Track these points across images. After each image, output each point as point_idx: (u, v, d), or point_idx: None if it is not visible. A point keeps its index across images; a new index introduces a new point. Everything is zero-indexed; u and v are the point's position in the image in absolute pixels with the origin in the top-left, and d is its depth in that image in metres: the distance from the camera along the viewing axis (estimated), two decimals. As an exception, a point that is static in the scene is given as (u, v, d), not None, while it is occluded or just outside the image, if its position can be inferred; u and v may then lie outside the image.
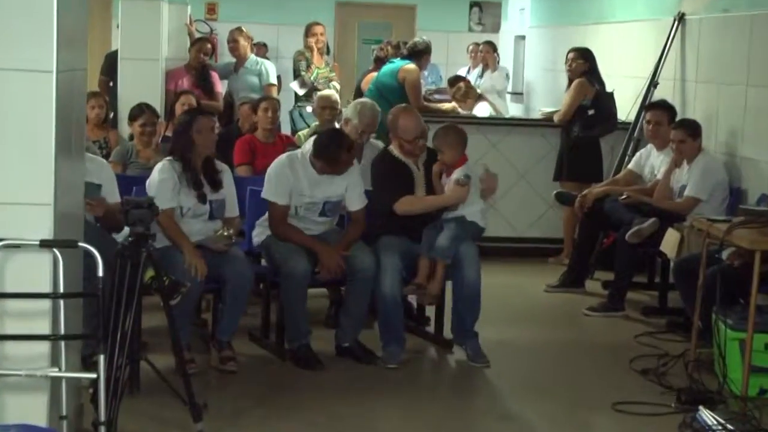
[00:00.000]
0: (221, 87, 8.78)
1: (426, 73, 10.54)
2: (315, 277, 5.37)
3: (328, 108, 7.20)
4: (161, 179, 5.17)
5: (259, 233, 5.57)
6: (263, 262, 5.59)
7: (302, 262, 5.21)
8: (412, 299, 5.94)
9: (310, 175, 5.43)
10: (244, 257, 5.24)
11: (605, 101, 7.92)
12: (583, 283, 7.27)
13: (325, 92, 7.71)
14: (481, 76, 10.97)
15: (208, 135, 5.24)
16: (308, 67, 9.16)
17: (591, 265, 7.45)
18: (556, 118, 8.08)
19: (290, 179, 5.39)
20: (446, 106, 8.83)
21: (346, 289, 5.48)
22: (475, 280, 5.44)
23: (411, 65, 8.24)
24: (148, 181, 5.27)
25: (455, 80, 9.85)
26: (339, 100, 7.43)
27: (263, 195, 5.45)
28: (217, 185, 5.26)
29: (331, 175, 5.44)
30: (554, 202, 7.85)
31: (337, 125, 6.52)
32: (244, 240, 5.75)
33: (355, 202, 5.55)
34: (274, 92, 8.75)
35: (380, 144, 6.38)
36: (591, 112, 7.86)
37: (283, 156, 5.53)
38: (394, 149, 5.70)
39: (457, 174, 5.49)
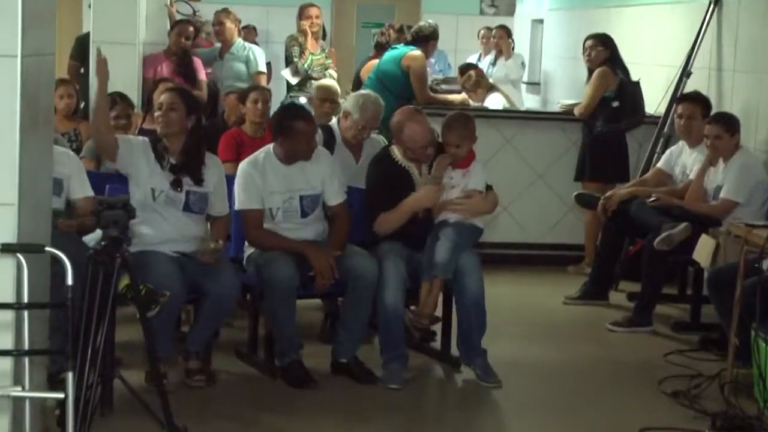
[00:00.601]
0: (204, 75, 8.78)
1: (432, 60, 10.54)
2: (309, 287, 5.37)
3: (329, 101, 7.16)
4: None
5: (248, 246, 5.57)
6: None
7: (285, 266, 5.21)
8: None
9: (278, 170, 5.47)
10: (229, 269, 5.22)
11: (631, 92, 7.92)
12: (607, 294, 7.27)
13: (325, 82, 7.65)
14: (493, 64, 10.97)
15: (167, 114, 5.23)
16: (301, 53, 9.16)
17: (615, 274, 7.44)
18: (576, 111, 8.08)
19: (257, 181, 5.43)
20: (455, 97, 8.83)
21: (344, 298, 5.48)
22: (477, 290, 5.45)
23: (416, 52, 8.24)
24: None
25: (465, 69, 9.84)
26: (339, 92, 7.41)
27: (235, 208, 5.50)
28: (195, 177, 5.26)
29: (302, 166, 5.47)
30: (574, 205, 7.85)
31: (334, 120, 6.52)
32: (230, 243, 5.75)
33: (334, 195, 5.57)
34: (263, 81, 8.75)
35: (381, 140, 6.37)
36: (615, 104, 7.86)
37: (244, 161, 5.59)
38: (395, 151, 5.69)
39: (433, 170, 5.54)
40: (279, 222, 5.48)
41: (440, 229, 5.54)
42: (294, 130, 5.41)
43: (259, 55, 8.95)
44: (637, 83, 8.00)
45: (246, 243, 5.57)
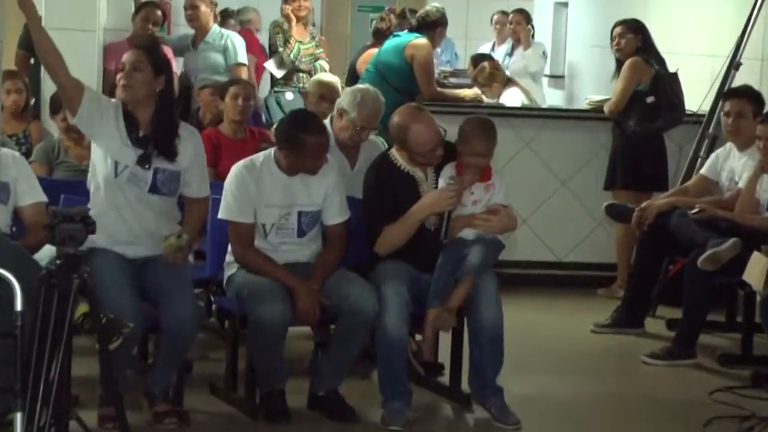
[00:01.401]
0: (176, 66, 8.79)
1: (439, 50, 10.55)
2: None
3: (328, 100, 7.07)
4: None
5: (229, 264, 5.55)
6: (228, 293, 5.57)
7: (276, 308, 5.19)
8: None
9: (277, 180, 5.45)
10: (188, 292, 5.17)
11: (668, 85, 7.94)
12: (642, 321, 7.27)
13: (325, 77, 7.52)
14: (510, 54, 10.98)
15: (130, 75, 5.12)
16: (286, 42, 9.17)
17: (653, 298, 7.44)
18: (606, 108, 8.08)
19: (252, 189, 5.41)
20: (466, 92, 8.83)
21: (336, 327, 5.48)
22: (494, 321, 5.45)
23: (421, 40, 8.25)
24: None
25: (478, 60, 9.85)
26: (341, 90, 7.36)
27: (220, 215, 5.46)
28: (168, 152, 5.19)
29: (305, 177, 5.45)
30: (605, 218, 7.85)
31: (326, 119, 6.52)
32: (203, 266, 5.75)
33: (333, 214, 5.54)
34: (243, 74, 8.74)
35: (381, 142, 6.36)
36: (650, 99, 7.89)
37: (240, 163, 5.54)
38: (395, 154, 5.68)
39: (445, 173, 5.53)
40: (271, 240, 5.46)
41: (456, 247, 5.52)
42: (304, 144, 5.34)
43: (238, 44, 8.93)
44: (675, 75, 8.00)
45: (226, 261, 5.56)
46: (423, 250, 5.54)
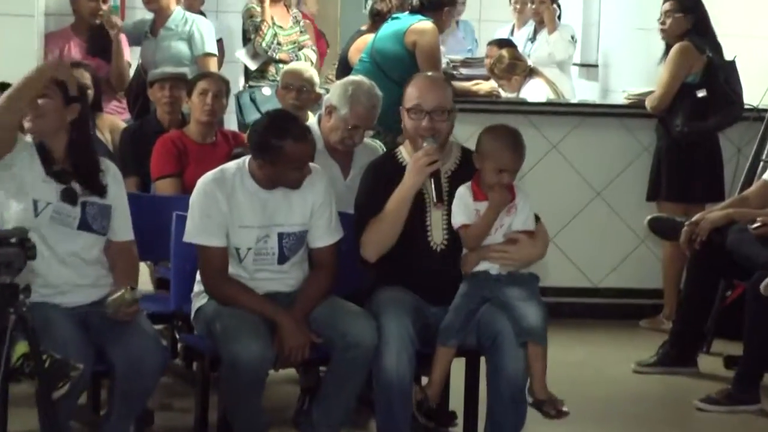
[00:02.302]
0: (129, 55, 8.79)
1: (461, 34, 10.54)
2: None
3: (294, 89, 7.15)
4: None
5: (198, 295, 5.55)
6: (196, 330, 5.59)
7: (254, 345, 5.16)
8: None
9: (253, 195, 5.45)
10: (145, 330, 5.14)
11: (723, 76, 7.96)
12: (695, 359, 7.27)
13: (293, 65, 7.67)
14: (532, 39, 10.99)
15: (36, 107, 5.12)
16: (258, 27, 9.18)
17: (706, 331, 7.44)
18: (648, 103, 8.09)
19: (223, 206, 5.40)
20: (481, 86, 8.84)
21: (328, 369, 5.46)
22: (516, 372, 5.40)
23: (425, 23, 8.23)
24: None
25: (495, 46, 9.84)
26: (315, 78, 7.40)
27: (186, 237, 5.47)
28: (95, 185, 5.22)
29: (287, 192, 5.45)
30: (648, 234, 7.84)
31: (312, 118, 6.50)
32: (167, 297, 5.75)
33: (321, 234, 5.55)
34: (212, 65, 8.75)
35: (378, 146, 6.35)
36: (701, 93, 7.92)
37: (208, 175, 5.53)
38: (404, 151, 5.68)
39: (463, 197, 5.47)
40: (247, 266, 5.45)
41: (485, 281, 5.48)
42: (282, 153, 5.33)
43: (206, 30, 8.96)
44: (732, 63, 8.02)
45: (194, 291, 5.56)
46: (429, 274, 5.53)
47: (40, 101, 5.12)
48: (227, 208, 5.40)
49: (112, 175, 5.36)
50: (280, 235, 5.46)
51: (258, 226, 5.43)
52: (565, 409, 5.45)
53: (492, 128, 5.65)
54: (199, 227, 5.42)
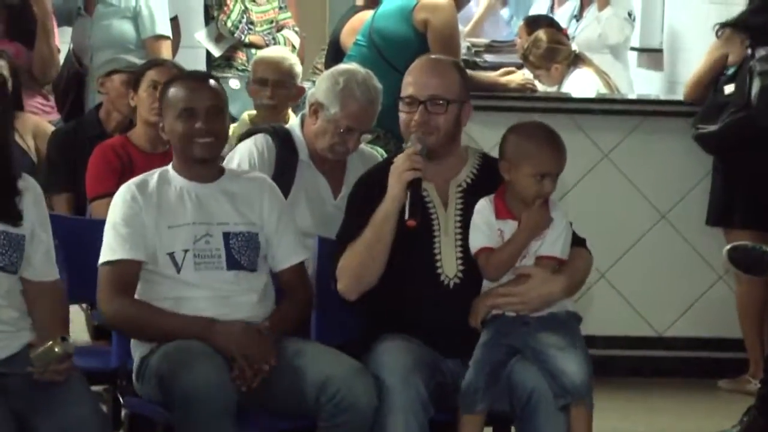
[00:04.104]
0: (59, 40, 8.84)
1: (506, 14, 10.58)
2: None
3: (271, 84, 7.22)
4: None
5: (139, 344, 5.59)
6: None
7: (207, 367, 5.21)
8: None
9: (184, 190, 5.61)
10: (81, 394, 5.14)
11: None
12: (789, 428, 7.30)
13: (268, 52, 7.72)
14: (577, 18, 11.06)
15: None
16: (223, 4, 9.23)
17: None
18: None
19: (146, 212, 5.52)
20: (512, 77, 8.88)
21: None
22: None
23: (439, -1, 8.30)
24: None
25: (530, 26, 9.90)
26: (297, 67, 7.45)
27: (104, 257, 5.54)
28: (8, 211, 5.24)
29: (227, 188, 5.62)
30: (728, 267, 7.87)
31: (294, 118, 6.57)
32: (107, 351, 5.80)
33: (286, 254, 5.68)
34: (164, 51, 8.81)
35: (378, 154, 6.41)
36: (729, 89, 8.05)
37: (129, 181, 5.69)
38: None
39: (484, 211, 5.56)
40: (188, 277, 5.51)
41: (508, 332, 5.53)
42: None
43: (157, 6, 9.00)
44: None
45: (133, 342, 5.61)
46: (441, 316, 5.56)
47: None
48: (153, 212, 5.52)
49: (32, 197, 5.35)
50: (226, 235, 5.56)
51: (193, 223, 5.55)
52: None
53: (519, 126, 5.69)
54: (113, 243, 5.52)
